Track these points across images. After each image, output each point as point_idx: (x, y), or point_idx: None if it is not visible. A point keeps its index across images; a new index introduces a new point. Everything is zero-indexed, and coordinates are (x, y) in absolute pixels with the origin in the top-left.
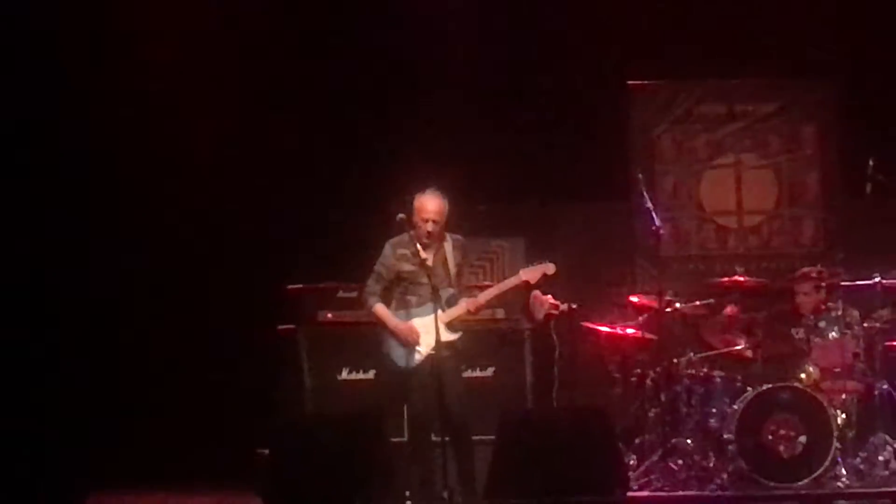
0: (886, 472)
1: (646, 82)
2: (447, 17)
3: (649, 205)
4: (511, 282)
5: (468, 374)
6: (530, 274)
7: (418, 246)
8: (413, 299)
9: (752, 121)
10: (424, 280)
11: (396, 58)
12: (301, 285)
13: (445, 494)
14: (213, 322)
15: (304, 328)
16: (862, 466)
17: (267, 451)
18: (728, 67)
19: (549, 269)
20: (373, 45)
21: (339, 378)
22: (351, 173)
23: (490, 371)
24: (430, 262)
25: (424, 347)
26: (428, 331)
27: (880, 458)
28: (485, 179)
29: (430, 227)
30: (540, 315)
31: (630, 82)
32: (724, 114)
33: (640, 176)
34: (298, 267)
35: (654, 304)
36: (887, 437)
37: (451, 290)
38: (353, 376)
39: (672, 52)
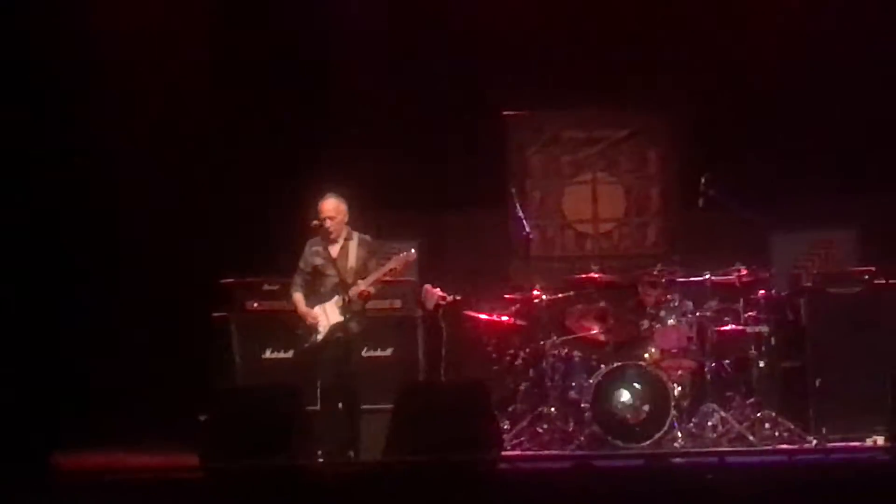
0: (714, 435)
1: (519, 112)
2: (357, 45)
3: (521, 214)
4: (384, 269)
5: (371, 353)
6: (397, 262)
7: (326, 243)
8: (322, 289)
9: (607, 145)
10: (331, 272)
11: (314, 76)
12: (232, 279)
13: (351, 454)
14: (159, 310)
15: (235, 315)
16: (694, 430)
17: (204, 418)
18: (587, 99)
19: (412, 256)
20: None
21: (263, 357)
22: (277, 179)
23: (389, 351)
24: (334, 256)
25: (323, 329)
26: (329, 314)
27: (709, 423)
28: (390, 190)
29: (328, 224)
30: (430, 305)
31: (505, 112)
32: (584, 138)
33: (514, 190)
34: (231, 263)
35: (524, 296)
36: (715, 406)
37: (348, 280)
38: (275, 356)
39: (541, 86)
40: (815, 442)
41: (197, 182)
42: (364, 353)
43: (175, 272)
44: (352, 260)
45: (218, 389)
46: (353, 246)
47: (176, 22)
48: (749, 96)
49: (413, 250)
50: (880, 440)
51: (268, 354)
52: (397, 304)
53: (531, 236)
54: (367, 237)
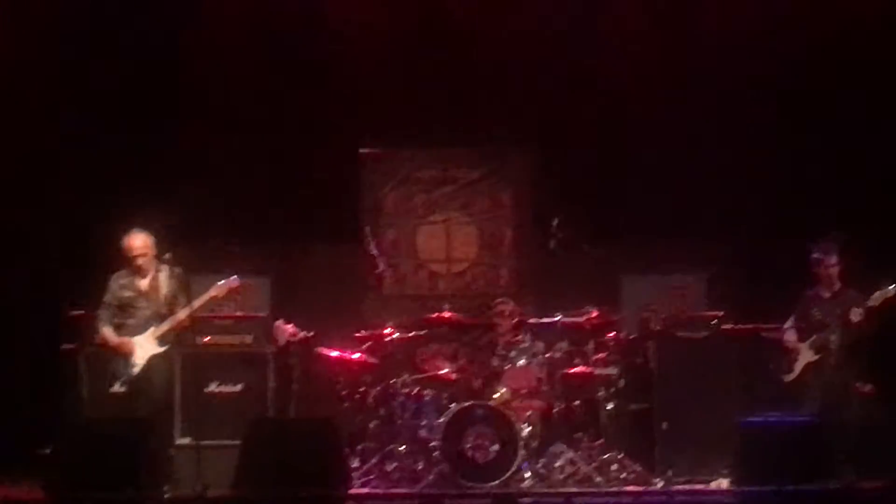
0: (562, 476)
1: (374, 150)
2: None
3: (375, 252)
4: (203, 298)
5: (221, 388)
6: (218, 290)
7: (134, 276)
8: (132, 321)
9: (461, 185)
10: (142, 304)
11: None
12: (82, 311)
13: (199, 489)
14: (7, 340)
15: (84, 348)
16: (542, 471)
17: (48, 450)
18: (442, 139)
19: (234, 283)
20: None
21: (110, 390)
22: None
23: (239, 386)
24: (144, 289)
25: (139, 360)
26: (143, 346)
27: (557, 463)
28: (244, 225)
29: (138, 260)
30: (282, 341)
31: (361, 150)
32: (438, 178)
33: (368, 228)
34: (82, 294)
35: (376, 334)
36: (563, 447)
37: (162, 311)
38: (122, 389)
39: (397, 126)
40: (661, 484)
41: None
42: (214, 388)
43: (29, 303)
44: (163, 292)
45: (64, 422)
46: (163, 277)
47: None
48: (603, 141)
49: (236, 277)
50: (724, 483)
51: (116, 388)
52: (248, 339)
53: (384, 274)
54: (178, 269)
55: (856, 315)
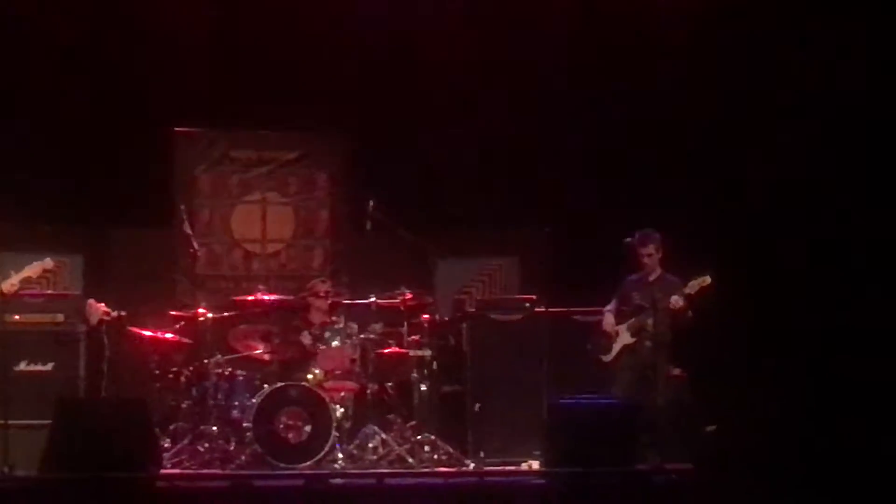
0: (374, 457)
1: (189, 129)
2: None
3: (189, 231)
4: (15, 278)
5: (30, 367)
6: (32, 270)
7: None
8: None
9: (277, 166)
10: None
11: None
12: None
13: (6, 469)
14: None
15: None
16: (355, 451)
17: None
18: (258, 119)
19: (48, 264)
20: None
21: None
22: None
23: (50, 365)
24: None
25: None
26: None
27: (370, 444)
28: (54, 203)
29: None
30: (94, 320)
31: (176, 129)
32: (254, 159)
33: (182, 207)
34: None
35: (189, 314)
36: (376, 428)
37: None
38: None
39: (212, 105)
40: (472, 465)
41: None
42: (23, 367)
43: None
44: None
45: None
46: None
47: None
48: (419, 122)
49: (49, 259)
50: (535, 464)
51: None
52: (59, 318)
53: (198, 254)
54: None
55: (676, 302)
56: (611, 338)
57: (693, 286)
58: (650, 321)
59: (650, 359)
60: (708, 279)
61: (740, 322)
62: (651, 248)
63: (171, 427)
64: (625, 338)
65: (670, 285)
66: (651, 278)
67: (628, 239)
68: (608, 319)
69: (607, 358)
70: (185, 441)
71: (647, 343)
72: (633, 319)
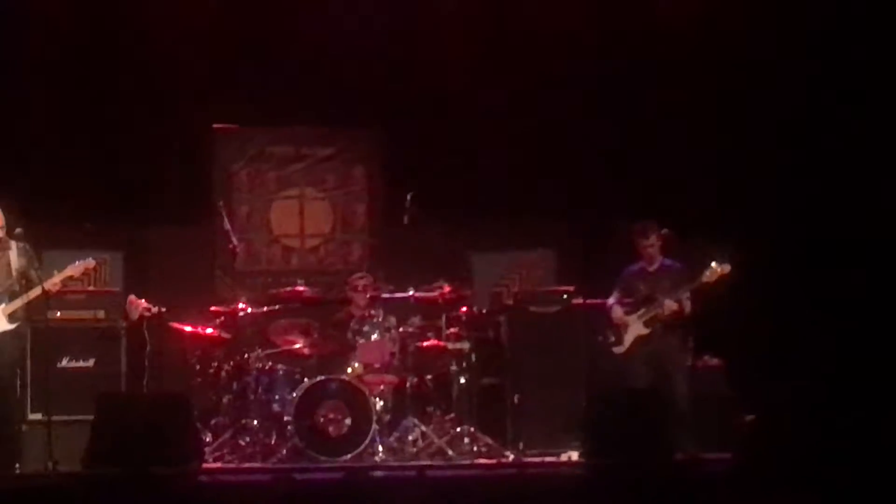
0: (414, 449)
1: (227, 126)
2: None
3: (228, 227)
4: (58, 277)
5: (72, 363)
6: (74, 269)
7: None
8: None
9: (314, 161)
10: None
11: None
12: None
13: (50, 465)
14: None
15: None
16: (395, 444)
17: None
18: (295, 116)
19: (90, 264)
20: None
21: None
22: None
23: (91, 361)
24: None
25: None
26: None
27: (410, 437)
28: (96, 201)
29: None
30: (135, 316)
31: (215, 126)
32: (291, 154)
33: (221, 203)
34: None
35: (229, 309)
36: (416, 421)
37: (14, 288)
38: None
39: (251, 102)
40: (512, 457)
41: None
42: (66, 364)
43: None
44: (14, 268)
45: None
46: (13, 254)
47: None
48: (453, 116)
49: (91, 259)
50: (574, 455)
51: None
52: (101, 314)
53: (237, 250)
54: (27, 245)
55: (669, 306)
56: (621, 328)
57: (710, 274)
58: (661, 310)
59: (664, 348)
60: (728, 267)
61: (770, 307)
62: (652, 239)
63: (213, 421)
64: (636, 328)
65: (674, 273)
66: (652, 268)
67: (634, 233)
68: (617, 312)
69: (620, 350)
70: (227, 435)
71: (660, 332)
72: (642, 310)
